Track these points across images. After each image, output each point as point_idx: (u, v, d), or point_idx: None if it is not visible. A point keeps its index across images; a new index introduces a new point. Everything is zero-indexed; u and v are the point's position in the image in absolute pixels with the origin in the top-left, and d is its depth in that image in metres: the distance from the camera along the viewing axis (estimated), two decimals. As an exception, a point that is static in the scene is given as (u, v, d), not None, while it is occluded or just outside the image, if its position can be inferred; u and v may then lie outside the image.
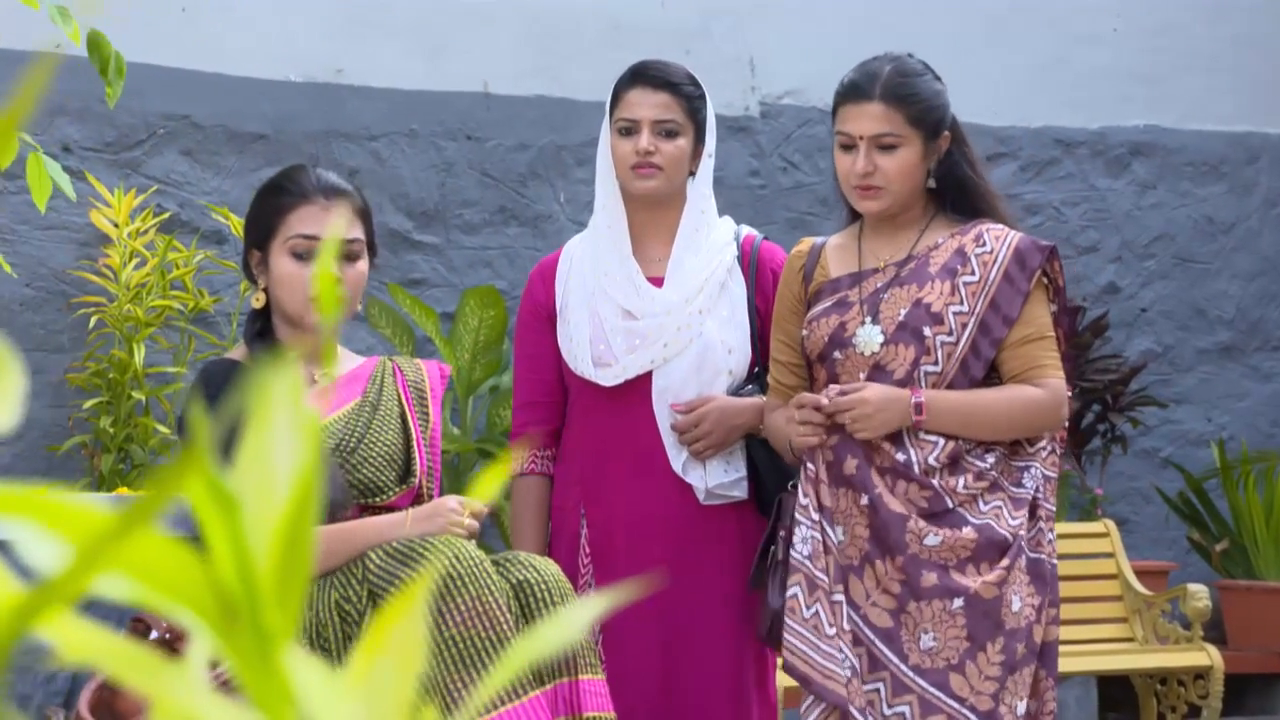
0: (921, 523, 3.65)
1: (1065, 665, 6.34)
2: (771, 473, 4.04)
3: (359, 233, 3.84)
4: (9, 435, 5.74)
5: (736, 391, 4.08)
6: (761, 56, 7.42)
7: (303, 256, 3.77)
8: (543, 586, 3.53)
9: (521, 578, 3.53)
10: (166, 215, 6.21)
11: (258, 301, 3.83)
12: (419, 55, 6.91)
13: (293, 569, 0.78)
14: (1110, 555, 6.79)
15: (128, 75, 6.28)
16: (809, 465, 3.74)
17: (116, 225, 5.98)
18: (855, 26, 7.44)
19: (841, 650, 3.63)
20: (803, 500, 3.72)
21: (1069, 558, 6.78)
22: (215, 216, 6.18)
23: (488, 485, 0.79)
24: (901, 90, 3.77)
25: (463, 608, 3.35)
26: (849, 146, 3.79)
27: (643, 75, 4.11)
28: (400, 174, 6.83)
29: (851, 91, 3.81)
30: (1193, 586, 6.46)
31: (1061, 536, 6.74)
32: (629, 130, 4.06)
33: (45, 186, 3.52)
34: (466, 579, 3.37)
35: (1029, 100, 7.93)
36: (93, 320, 5.99)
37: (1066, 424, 3.88)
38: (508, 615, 3.39)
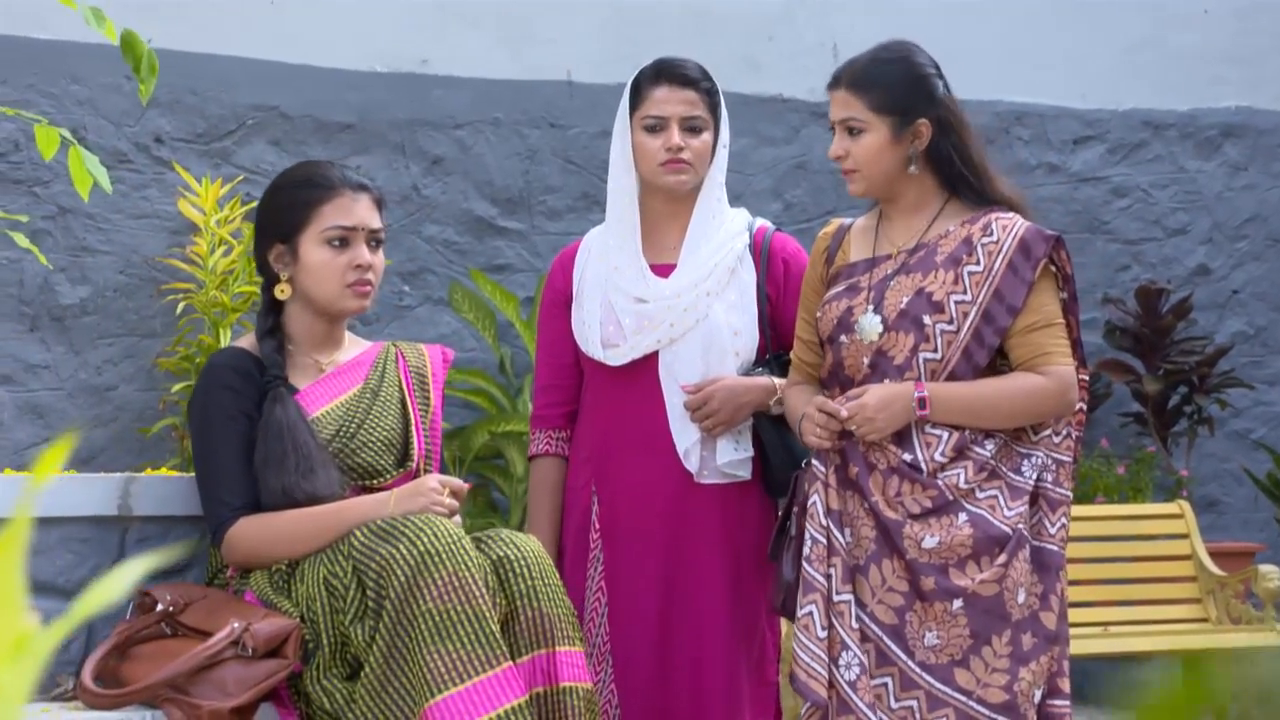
0: (917, 527, 3.69)
1: (1139, 644, 6.38)
2: (779, 453, 4.12)
3: (380, 222, 3.99)
4: (104, 418, 5.89)
5: (745, 374, 4.17)
6: (845, 41, 7.45)
7: (337, 245, 3.91)
8: (522, 563, 3.61)
9: (501, 554, 3.63)
10: (254, 204, 6.36)
11: (281, 293, 3.96)
12: (503, 45, 7.03)
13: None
14: (1185, 536, 6.78)
15: (217, 67, 6.47)
16: (820, 468, 3.80)
17: (204, 214, 6.15)
18: (938, 9, 7.47)
19: (827, 654, 3.68)
20: (811, 502, 3.78)
21: (1144, 539, 6.79)
22: (301, 204, 6.32)
23: (47, 462, 0.90)
24: (863, 79, 3.85)
25: (439, 582, 3.43)
26: (833, 131, 3.92)
27: (667, 73, 4.21)
28: (485, 161, 6.95)
29: (830, 80, 3.94)
30: (1264, 568, 6.44)
31: (1137, 517, 6.78)
32: (657, 127, 4.18)
33: (85, 179, 3.65)
34: (444, 555, 3.46)
35: (1118, 83, 7.91)
36: (181, 306, 6.16)
37: (1081, 409, 3.90)
38: (484, 590, 3.47)
